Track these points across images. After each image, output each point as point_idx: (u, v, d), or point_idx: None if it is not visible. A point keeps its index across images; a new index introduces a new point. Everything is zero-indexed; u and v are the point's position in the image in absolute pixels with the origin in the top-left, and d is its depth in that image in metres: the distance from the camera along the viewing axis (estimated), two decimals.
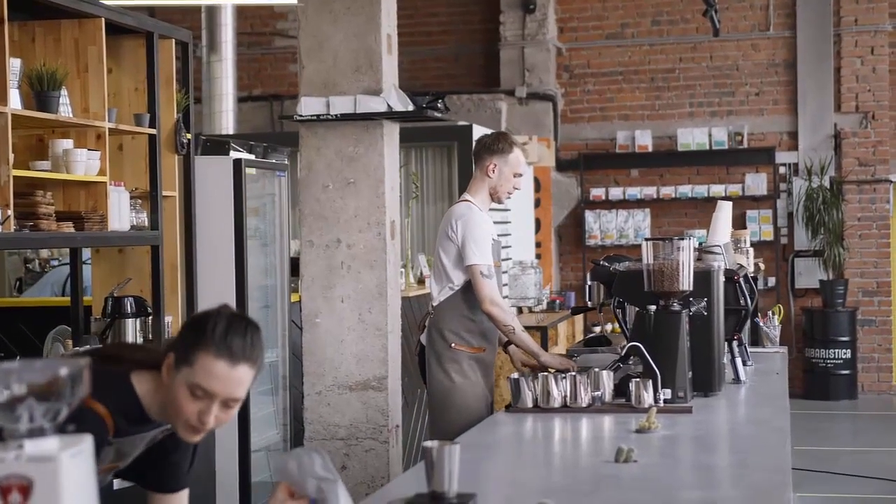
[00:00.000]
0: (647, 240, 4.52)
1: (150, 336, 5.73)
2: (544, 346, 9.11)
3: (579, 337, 10.55)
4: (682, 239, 4.48)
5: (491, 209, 9.61)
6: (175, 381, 2.63)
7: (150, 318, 5.70)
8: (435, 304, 5.41)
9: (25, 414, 1.77)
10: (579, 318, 11.41)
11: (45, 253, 8.53)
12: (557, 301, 11.26)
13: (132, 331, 5.53)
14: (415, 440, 7.65)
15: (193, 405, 2.61)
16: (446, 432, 4.92)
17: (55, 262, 8.69)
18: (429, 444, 2.78)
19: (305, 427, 5.80)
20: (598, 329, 12.37)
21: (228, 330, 2.61)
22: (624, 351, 4.44)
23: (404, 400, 6.73)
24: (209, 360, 2.59)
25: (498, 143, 5.41)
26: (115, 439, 2.70)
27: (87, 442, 1.82)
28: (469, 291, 5.26)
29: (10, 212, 4.58)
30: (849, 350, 12.43)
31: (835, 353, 12.41)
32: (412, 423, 7.65)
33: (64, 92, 5.04)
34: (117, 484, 4.47)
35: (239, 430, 6.41)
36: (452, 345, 5.31)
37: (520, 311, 10.37)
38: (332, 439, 5.78)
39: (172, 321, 5.94)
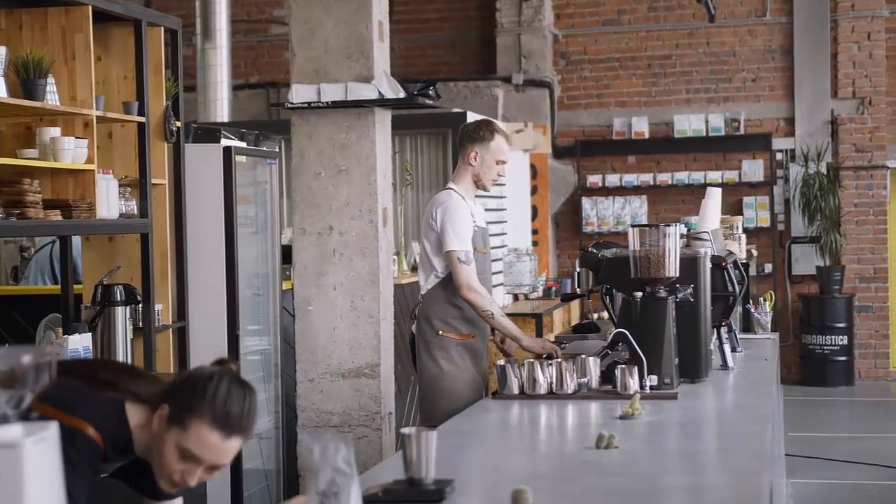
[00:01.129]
0: (633, 226, 4.53)
1: (141, 324, 5.73)
2: (539, 333, 9.11)
3: (574, 324, 10.54)
4: (669, 226, 4.48)
5: (487, 196, 9.63)
6: (166, 436, 2.63)
7: (140, 305, 5.70)
8: (422, 292, 5.44)
9: None
10: (575, 305, 11.42)
11: (40, 241, 8.53)
12: (553, 288, 11.27)
13: (122, 319, 5.53)
14: (409, 425, 7.65)
15: (179, 465, 2.63)
16: (436, 419, 4.93)
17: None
18: (406, 430, 2.79)
19: (298, 414, 5.81)
20: (594, 316, 12.38)
21: (227, 399, 2.62)
22: (610, 337, 4.44)
23: (397, 387, 6.73)
24: (204, 429, 2.60)
25: (479, 131, 5.41)
26: (104, 465, 2.71)
27: (51, 429, 1.82)
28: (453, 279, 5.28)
29: None
30: (845, 336, 12.44)
31: (831, 339, 12.42)
32: (405, 410, 7.66)
33: (51, 80, 5.03)
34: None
35: None
36: (440, 332, 5.32)
37: (515, 298, 10.38)
38: (324, 426, 5.78)
39: (162, 309, 5.95)
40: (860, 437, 10.08)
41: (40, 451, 1.78)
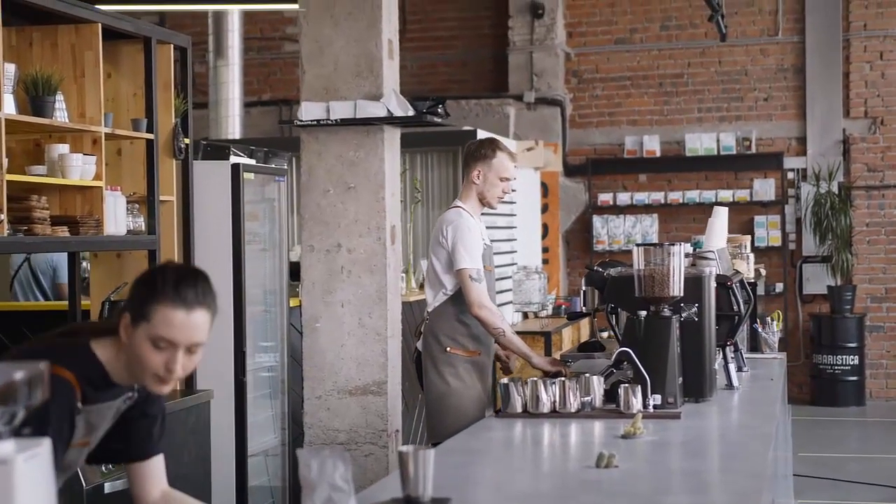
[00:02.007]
0: (638, 245, 4.53)
1: None
2: (547, 352, 9.11)
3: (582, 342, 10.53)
4: (673, 245, 4.48)
5: (497, 214, 9.62)
6: (135, 338, 2.71)
7: None
8: (429, 309, 5.46)
9: None
10: (585, 323, 11.39)
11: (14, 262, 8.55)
12: (564, 306, 11.26)
13: None
14: (416, 443, 7.65)
15: (159, 357, 2.70)
16: (443, 436, 4.93)
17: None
18: (403, 448, 2.79)
19: (305, 431, 5.82)
20: (605, 335, 12.36)
21: (179, 281, 2.71)
22: (614, 356, 4.44)
23: (404, 404, 6.73)
24: (166, 310, 2.68)
25: (481, 150, 5.44)
26: (84, 407, 2.76)
27: (43, 445, 1.83)
28: (462, 296, 5.29)
29: (3, 216, 4.60)
30: (857, 356, 12.40)
31: (842, 359, 12.38)
32: (412, 427, 7.65)
33: (60, 97, 5.07)
34: (108, 487, 4.51)
35: (236, 434, 6.42)
36: (448, 349, 5.35)
37: (525, 316, 10.38)
38: (331, 444, 5.79)
39: None
40: (871, 457, 10.03)
41: (32, 467, 1.79)
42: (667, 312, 4.46)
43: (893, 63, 12.73)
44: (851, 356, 12.37)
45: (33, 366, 1.82)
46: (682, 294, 4.47)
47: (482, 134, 10.33)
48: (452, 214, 5.39)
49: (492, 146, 5.46)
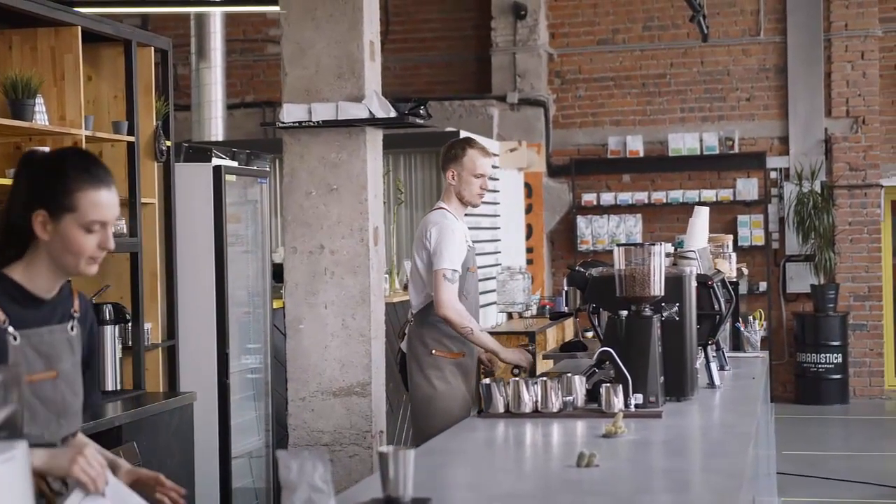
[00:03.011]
0: (618, 245, 4.54)
1: (130, 343, 5.73)
2: (533, 352, 9.11)
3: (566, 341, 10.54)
4: (654, 244, 4.50)
5: (481, 214, 9.62)
6: (61, 230, 2.72)
7: (129, 324, 5.71)
8: (414, 311, 5.48)
9: None
10: (569, 323, 11.41)
11: None
12: (548, 307, 11.26)
13: (111, 338, 5.54)
14: (401, 444, 7.65)
15: (91, 240, 2.73)
16: (429, 438, 4.93)
17: None
18: (383, 449, 2.80)
19: (289, 433, 5.81)
20: (590, 335, 12.37)
21: (88, 165, 2.76)
22: (595, 356, 4.45)
23: (388, 406, 6.74)
24: (90, 195, 2.72)
25: (452, 150, 5.51)
26: (20, 331, 2.72)
27: (20, 449, 1.83)
28: None
29: None
30: (840, 354, 12.44)
31: (826, 357, 12.42)
32: (396, 428, 7.66)
33: (40, 100, 5.06)
34: None
35: (219, 435, 6.42)
36: (433, 351, 5.38)
37: (509, 316, 10.38)
38: (315, 445, 5.78)
39: (152, 328, 5.96)
40: (855, 455, 10.08)
41: (8, 470, 1.79)
42: (648, 312, 4.47)
43: (874, 63, 12.78)
44: (835, 354, 12.41)
45: (8, 368, 1.82)
46: (662, 294, 4.48)
47: (465, 135, 10.35)
48: (436, 216, 5.43)
49: (461, 145, 5.50)
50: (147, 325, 5.86)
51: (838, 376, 12.45)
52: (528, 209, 12.54)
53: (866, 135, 12.75)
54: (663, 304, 4.54)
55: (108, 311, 5.54)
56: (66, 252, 2.74)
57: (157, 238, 6.06)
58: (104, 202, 2.75)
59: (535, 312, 10.61)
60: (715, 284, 5.07)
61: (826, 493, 8.51)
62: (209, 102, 10.59)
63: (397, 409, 7.57)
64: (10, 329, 2.71)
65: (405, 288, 8.38)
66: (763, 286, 12.75)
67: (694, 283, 4.75)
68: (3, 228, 2.79)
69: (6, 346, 2.68)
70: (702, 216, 5.64)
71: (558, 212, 13.27)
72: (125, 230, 5.69)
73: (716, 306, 5.06)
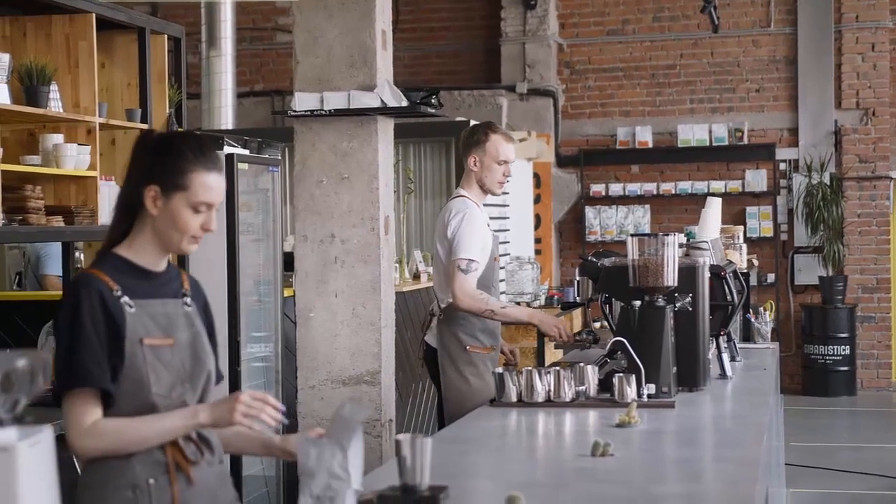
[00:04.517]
0: (632, 235, 4.53)
1: None
2: (540, 341, 9.11)
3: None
4: (667, 235, 4.49)
5: (489, 204, 9.60)
6: (171, 207, 2.84)
7: None
8: (443, 304, 5.32)
9: None
10: (578, 313, 11.41)
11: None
12: (556, 297, 11.26)
13: None
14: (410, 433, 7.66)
15: (196, 220, 2.85)
16: None
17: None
18: (400, 437, 2.80)
19: (299, 421, 5.82)
20: (597, 325, 12.38)
21: (202, 147, 2.88)
22: (608, 346, 4.45)
23: (398, 395, 6.74)
24: (203, 177, 2.85)
25: (474, 135, 5.35)
26: (134, 300, 2.84)
27: (46, 433, 1.84)
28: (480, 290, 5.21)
29: None
30: (848, 346, 12.44)
31: (834, 349, 12.42)
32: (405, 417, 7.67)
33: (54, 87, 5.07)
34: None
35: None
36: (468, 347, 5.25)
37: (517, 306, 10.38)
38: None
39: None
40: (862, 446, 10.08)
41: (35, 454, 1.80)
42: (661, 302, 4.47)
43: (885, 54, 12.75)
44: (843, 346, 12.41)
45: (35, 353, 1.83)
46: (676, 284, 4.48)
47: (483, 121, 10.35)
48: (457, 204, 5.31)
49: (484, 130, 5.36)
50: None
51: (846, 368, 12.45)
52: (537, 199, 12.54)
53: (876, 126, 12.74)
54: (676, 295, 4.54)
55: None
56: (171, 229, 2.85)
57: None
58: (214, 185, 2.87)
59: (543, 302, 10.62)
60: (727, 275, 5.07)
61: (833, 484, 8.51)
62: (219, 91, 10.58)
63: (406, 399, 7.58)
64: (125, 299, 2.83)
65: (415, 277, 8.40)
66: (771, 278, 12.75)
67: (707, 274, 4.75)
68: (118, 205, 2.94)
69: (124, 314, 2.82)
70: (714, 207, 5.64)
71: (567, 202, 13.26)
72: None
73: (728, 297, 5.06)
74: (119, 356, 2.80)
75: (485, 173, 5.31)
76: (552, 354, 9.14)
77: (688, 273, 4.60)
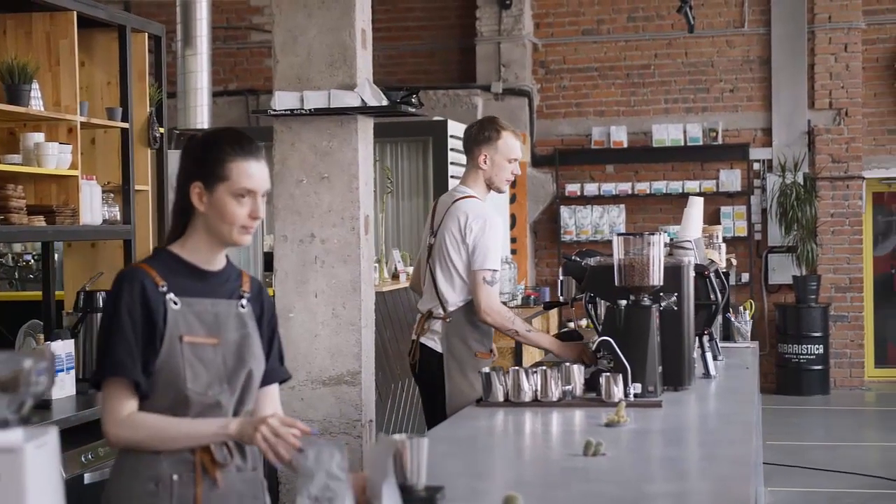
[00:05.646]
0: (618, 235, 4.53)
1: None
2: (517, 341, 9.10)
3: (554, 332, 10.56)
4: (653, 234, 4.50)
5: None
6: (215, 199, 2.91)
7: None
8: (450, 308, 5.11)
9: None
10: (554, 313, 11.44)
11: (17, 247, 8.50)
12: (532, 296, 11.28)
13: None
14: (389, 434, 7.65)
15: (243, 209, 2.90)
16: None
17: (28, 257, 8.64)
18: (397, 437, 2.79)
19: None
20: (571, 324, 12.41)
21: (239, 139, 2.95)
22: (595, 345, 4.45)
23: (378, 395, 6.73)
24: (241, 164, 2.90)
25: (484, 132, 5.14)
26: (181, 298, 2.89)
27: (51, 434, 1.82)
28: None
29: None
30: (821, 345, 12.51)
31: (807, 348, 12.49)
32: (385, 417, 7.65)
33: (35, 85, 5.02)
34: (88, 478, 4.48)
35: None
36: (477, 353, 5.10)
37: None
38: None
39: None
40: (836, 445, 10.14)
41: (41, 455, 1.79)
42: (647, 302, 4.48)
43: (857, 55, 12.83)
44: (816, 345, 12.49)
45: (40, 354, 1.81)
46: (662, 283, 4.49)
47: (452, 124, 10.35)
48: (476, 207, 5.08)
49: (495, 127, 5.15)
50: None
51: (819, 367, 12.53)
52: (512, 199, 12.55)
53: (849, 127, 12.82)
54: (661, 294, 4.55)
55: (101, 299, 5.50)
56: (220, 221, 2.91)
57: (151, 225, 6.03)
58: (253, 172, 2.91)
59: (520, 302, 10.63)
60: (711, 275, 5.09)
61: (807, 482, 8.56)
62: (195, 90, 10.50)
63: (386, 399, 7.57)
64: (171, 295, 2.89)
65: (394, 277, 8.38)
66: (745, 277, 12.81)
67: (692, 273, 4.76)
68: (172, 211, 3.00)
69: (167, 310, 2.87)
70: (696, 206, 5.65)
71: (542, 202, 13.28)
72: (119, 217, 5.66)
73: (712, 296, 5.07)
74: (154, 351, 2.85)
75: (495, 171, 5.13)
76: (530, 355, 9.15)
77: (673, 272, 4.61)
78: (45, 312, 5.70)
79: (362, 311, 5.97)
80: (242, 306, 3.01)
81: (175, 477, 2.87)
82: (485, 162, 5.14)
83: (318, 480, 2.66)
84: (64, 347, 4.96)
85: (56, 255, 6.42)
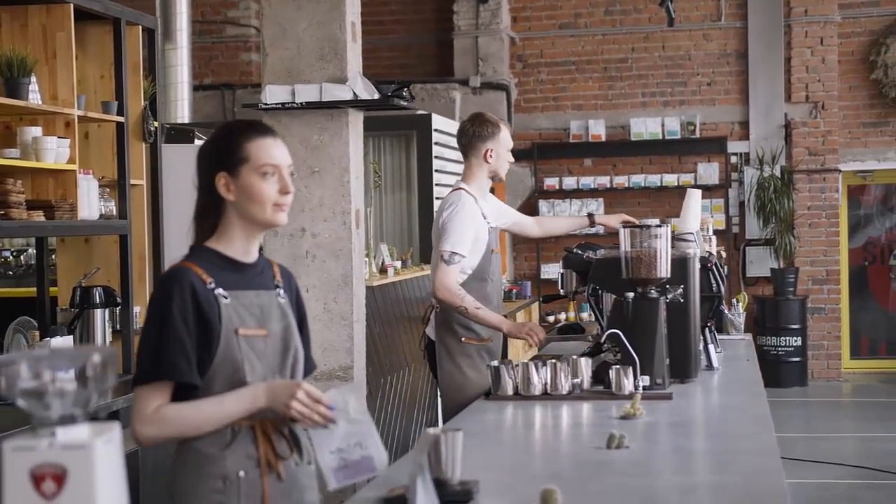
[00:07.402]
0: (624, 226, 4.53)
1: (119, 327, 5.65)
2: (504, 340, 9.11)
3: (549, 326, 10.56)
4: (660, 226, 4.50)
5: (442, 198, 9.54)
6: (242, 182, 2.90)
7: (119, 308, 5.63)
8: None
9: (56, 401, 1.75)
10: (535, 307, 11.45)
11: (18, 241, 8.42)
12: (514, 291, 11.30)
13: (101, 321, 5.46)
14: (380, 429, 7.62)
15: (270, 186, 2.90)
16: None
17: (7, 253, 8.56)
18: (432, 430, 2.78)
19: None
20: (551, 318, 12.43)
21: (249, 123, 2.99)
22: (604, 338, 4.44)
23: (368, 389, 6.71)
24: (257, 143, 2.91)
25: (487, 129, 5.36)
26: (228, 292, 2.88)
27: (115, 430, 1.79)
28: (475, 282, 5.20)
29: None
30: (799, 338, 12.58)
31: (785, 340, 12.55)
32: (376, 412, 7.63)
33: (33, 79, 4.96)
34: None
35: None
36: (462, 339, 5.25)
37: None
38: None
39: (141, 311, 5.88)
40: (815, 436, 10.20)
41: (109, 450, 1.76)
42: (654, 294, 4.48)
43: (833, 48, 12.90)
44: (794, 338, 12.55)
45: (107, 348, 1.78)
46: (669, 275, 4.49)
47: (436, 118, 10.32)
48: (452, 197, 5.31)
49: (493, 122, 5.41)
50: (136, 308, 5.77)
51: (797, 359, 12.60)
52: (490, 193, 12.51)
53: (825, 120, 12.88)
54: (668, 286, 4.54)
55: (97, 295, 5.46)
56: (251, 203, 2.89)
57: (146, 220, 5.98)
58: (272, 147, 2.92)
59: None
60: (713, 266, 5.10)
61: (791, 473, 8.59)
62: (175, 84, 10.43)
63: (377, 393, 7.54)
64: (220, 290, 2.88)
65: (382, 271, 8.35)
66: (724, 270, 12.84)
67: (697, 265, 4.77)
68: (196, 210, 2.99)
69: (219, 305, 2.86)
70: (695, 198, 5.67)
71: (521, 196, 13.28)
72: (115, 212, 5.61)
73: (714, 287, 5.08)
74: (210, 348, 2.83)
75: (499, 163, 5.40)
76: (515, 349, 9.15)
77: (679, 264, 4.62)
78: (39, 309, 5.64)
79: (354, 305, 5.96)
80: (281, 296, 3.01)
81: (241, 474, 2.85)
82: (490, 156, 5.36)
83: (339, 430, 2.66)
84: (63, 343, 4.91)
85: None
